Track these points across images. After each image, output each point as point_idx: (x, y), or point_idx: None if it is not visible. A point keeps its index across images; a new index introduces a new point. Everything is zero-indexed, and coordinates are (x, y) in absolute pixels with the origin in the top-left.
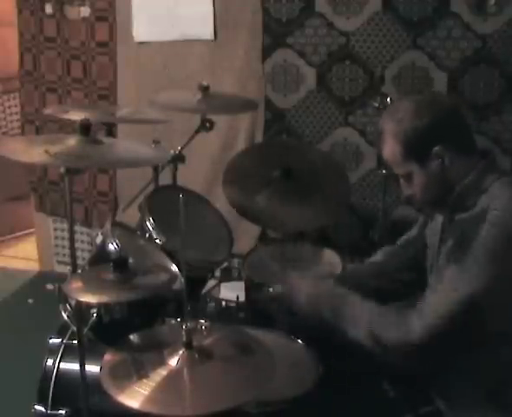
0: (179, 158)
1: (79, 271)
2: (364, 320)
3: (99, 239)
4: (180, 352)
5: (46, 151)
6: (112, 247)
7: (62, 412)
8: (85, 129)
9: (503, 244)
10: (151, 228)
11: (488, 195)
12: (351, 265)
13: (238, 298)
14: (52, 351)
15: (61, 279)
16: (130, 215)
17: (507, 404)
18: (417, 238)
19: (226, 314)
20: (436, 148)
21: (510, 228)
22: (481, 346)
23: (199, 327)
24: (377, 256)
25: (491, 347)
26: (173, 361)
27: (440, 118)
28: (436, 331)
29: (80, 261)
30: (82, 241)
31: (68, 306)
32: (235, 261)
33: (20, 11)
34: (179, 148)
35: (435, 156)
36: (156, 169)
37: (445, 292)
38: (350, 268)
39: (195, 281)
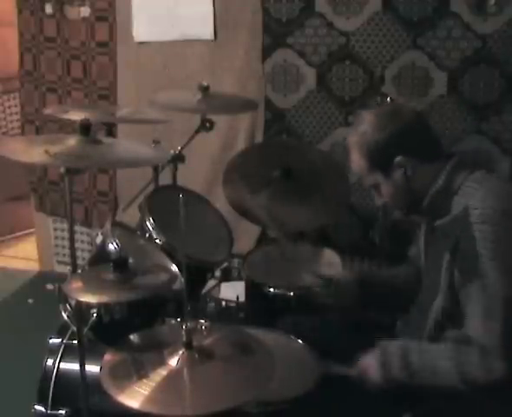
0: (179, 158)
1: (79, 271)
2: (449, 369)
3: (99, 239)
4: (180, 352)
5: (46, 151)
6: (112, 247)
7: (62, 412)
8: (85, 129)
9: (501, 236)
10: (151, 228)
11: (460, 196)
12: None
13: (238, 298)
14: (52, 351)
15: (61, 279)
16: (130, 215)
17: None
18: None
19: (226, 314)
20: (398, 159)
21: (497, 220)
22: None
23: (199, 327)
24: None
25: None
26: (173, 361)
27: (400, 129)
28: (507, 347)
29: (80, 261)
30: (82, 241)
31: (68, 306)
32: (235, 261)
33: (20, 11)
34: (179, 148)
35: (397, 166)
36: (156, 169)
37: (485, 313)
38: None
39: (195, 281)
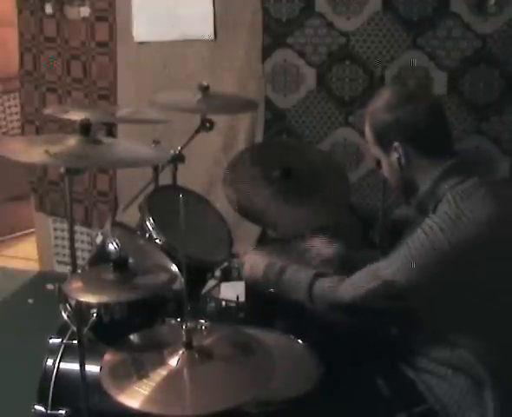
0: (179, 158)
1: (79, 271)
2: (304, 282)
3: (99, 239)
4: (180, 352)
5: (46, 151)
6: (112, 247)
7: (62, 412)
8: (85, 129)
9: (424, 253)
10: (151, 228)
11: (443, 203)
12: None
13: (238, 298)
14: (52, 351)
15: (61, 279)
16: (130, 215)
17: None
18: None
19: (226, 314)
20: (395, 144)
21: (434, 241)
22: (438, 345)
23: (199, 327)
24: None
25: (451, 348)
26: (173, 361)
27: (407, 116)
28: (359, 299)
29: (80, 261)
30: (82, 241)
31: (68, 306)
32: (235, 261)
33: (20, 11)
34: (179, 148)
35: (394, 151)
36: (156, 169)
37: (371, 271)
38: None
39: (195, 281)
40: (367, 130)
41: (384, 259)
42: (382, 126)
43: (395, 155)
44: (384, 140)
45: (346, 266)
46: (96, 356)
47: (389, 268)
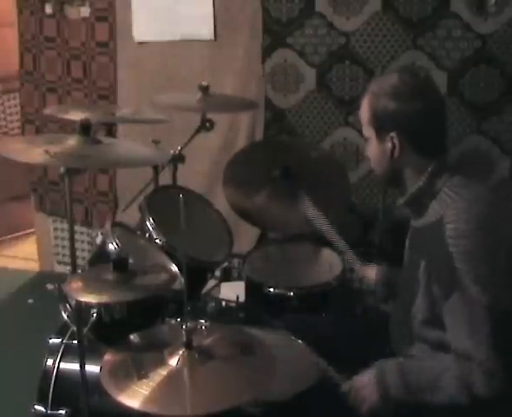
0: (179, 158)
1: (79, 271)
2: (452, 385)
3: (99, 239)
4: (180, 352)
5: (46, 151)
6: (112, 247)
7: (62, 412)
8: (85, 129)
9: (475, 248)
10: (151, 228)
11: (438, 201)
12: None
13: (238, 298)
14: (52, 351)
15: (61, 279)
16: (130, 215)
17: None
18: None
19: (226, 314)
20: (392, 134)
21: (471, 233)
22: None
23: (199, 327)
24: None
25: None
26: (173, 361)
27: (413, 112)
28: (500, 358)
29: (80, 261)
30: (82, 241)
31: (68, 306)
32: (235, 261)
33: (20, 11)
34: (179, 148)
35: (389, 140)
36: (156, 169)
37: (471, 327)
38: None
39: (195, 281)
40: (365, 108)
41: (454, 320)
42: (382, 111)
43: (388, 145)
44: (380, 125)
45: (390, 283)
46: (96, 356)
47: (470, 298)
